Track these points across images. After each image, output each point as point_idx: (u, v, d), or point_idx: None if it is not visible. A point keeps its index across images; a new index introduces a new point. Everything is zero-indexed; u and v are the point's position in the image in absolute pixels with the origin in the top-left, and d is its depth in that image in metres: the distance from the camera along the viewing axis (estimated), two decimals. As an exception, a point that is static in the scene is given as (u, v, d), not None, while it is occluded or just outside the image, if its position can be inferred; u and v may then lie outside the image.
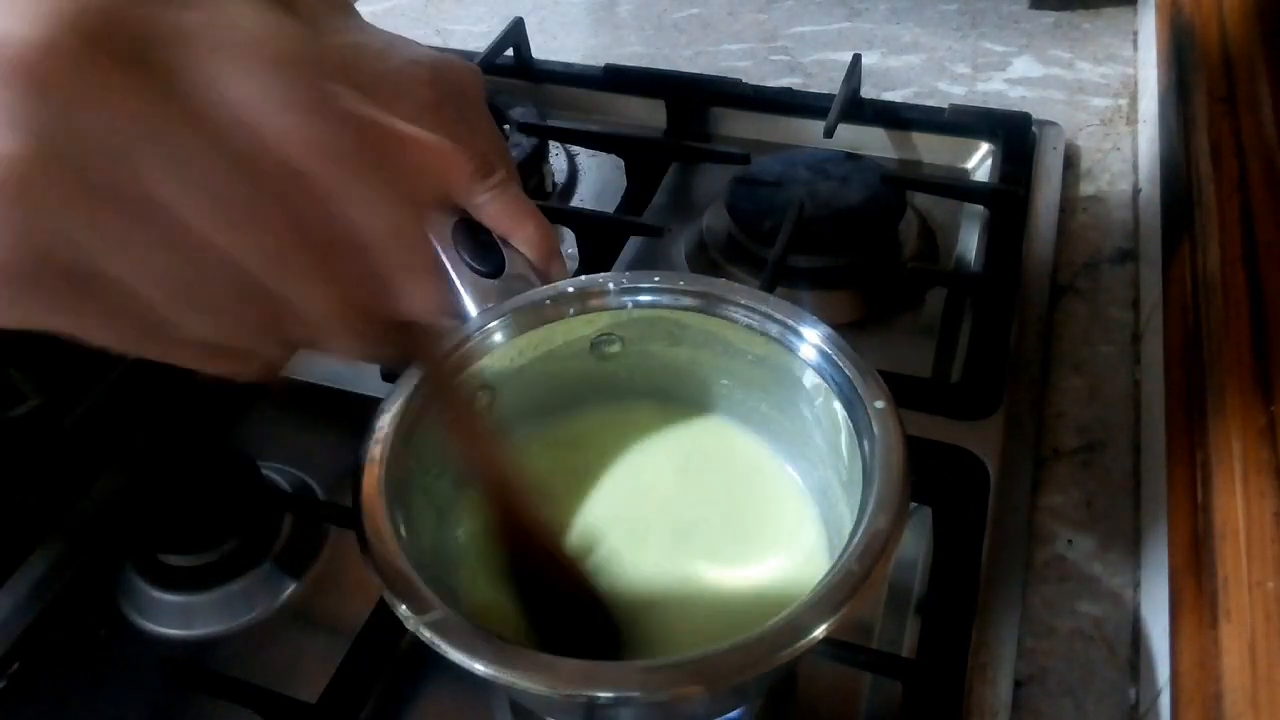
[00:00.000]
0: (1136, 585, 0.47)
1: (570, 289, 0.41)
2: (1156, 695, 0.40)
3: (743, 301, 0.40)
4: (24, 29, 0.20)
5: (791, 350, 0.39)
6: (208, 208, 0.22)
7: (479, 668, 0.29)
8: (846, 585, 0.30)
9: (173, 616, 0.47)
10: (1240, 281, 0.45)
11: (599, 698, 0.29)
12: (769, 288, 0.55)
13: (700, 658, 0.29)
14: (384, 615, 0.44)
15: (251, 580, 0.48)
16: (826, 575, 0.31)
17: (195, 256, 0.23)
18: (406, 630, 0.30)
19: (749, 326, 0.40)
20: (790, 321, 0.39)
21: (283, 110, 0.23)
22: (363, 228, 0.24)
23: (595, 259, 0.63)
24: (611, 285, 0.41)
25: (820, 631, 0.30)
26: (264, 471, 0.52)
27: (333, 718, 0.41)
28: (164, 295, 0.23)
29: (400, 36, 0.48)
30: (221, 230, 0.23)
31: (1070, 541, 0.48)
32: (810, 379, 0.39)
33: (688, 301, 0.41)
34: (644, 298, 0.41)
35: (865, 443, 0.35)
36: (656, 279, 0.41)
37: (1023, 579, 0.46)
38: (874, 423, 0.35)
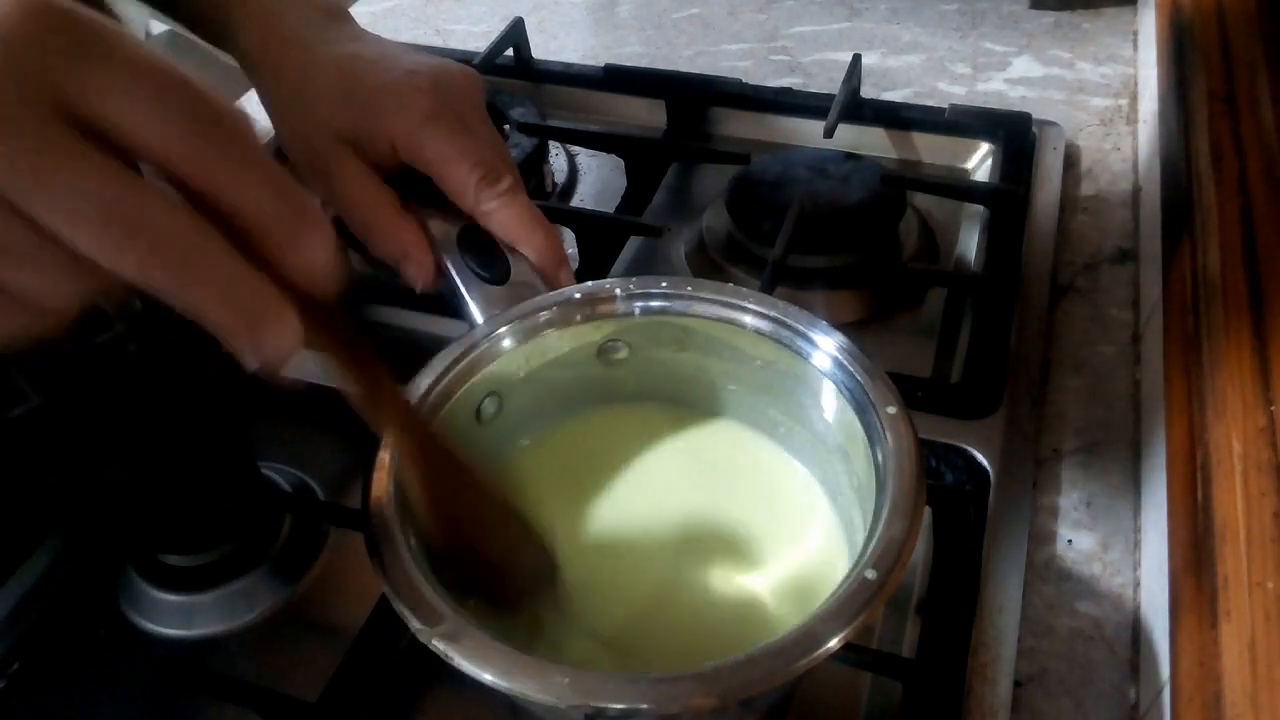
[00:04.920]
0: (1136, 585, 0.47)
1: (577, 295, 0.41)
2: (1156, 695, 0.40)
3: (751, 306, 0.40)
4: None
5: (801, 355, 0.39)
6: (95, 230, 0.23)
7: (488, 678, 0.29)
8: (863, 593, 0.30)
9: (173, 616, 0.47)
10: (1240, 281, 0.45)
11: (608, 710, 0.28)
12: (769, 288, 0.55)
13: (714, 670, 0.29)
14: (384, 616, 0.43)
15: (251, 580, 0.48)
16: (842, 583, 0.31)
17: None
18: (406, 631, 0.30)
19: (757, 331, 0.40)
20: (800, 326, 0.39)
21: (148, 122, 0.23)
22: (243, 212, 0.24)
23: (595, 259, 0.63)
24: (618, 291, 0.41)
25: (836, 642, 0.29)
26: (264, 471, 0.52)
27: (333, 718, 0.41)
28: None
29: (398, 44, 0.48)
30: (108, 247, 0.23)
31: (1070, 541, 0.48)
32: (820, 384, 0.38)
33: (695, 307, 0.41)
34: (651, 303, 0.41)
35: (878, 448, 0.35)
36: (664, 284, 0.41)
37: (1023, 579, 0.46)
38: (886, 428, 0.35)
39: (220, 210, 0.24)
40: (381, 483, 0.34)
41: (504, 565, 0.37)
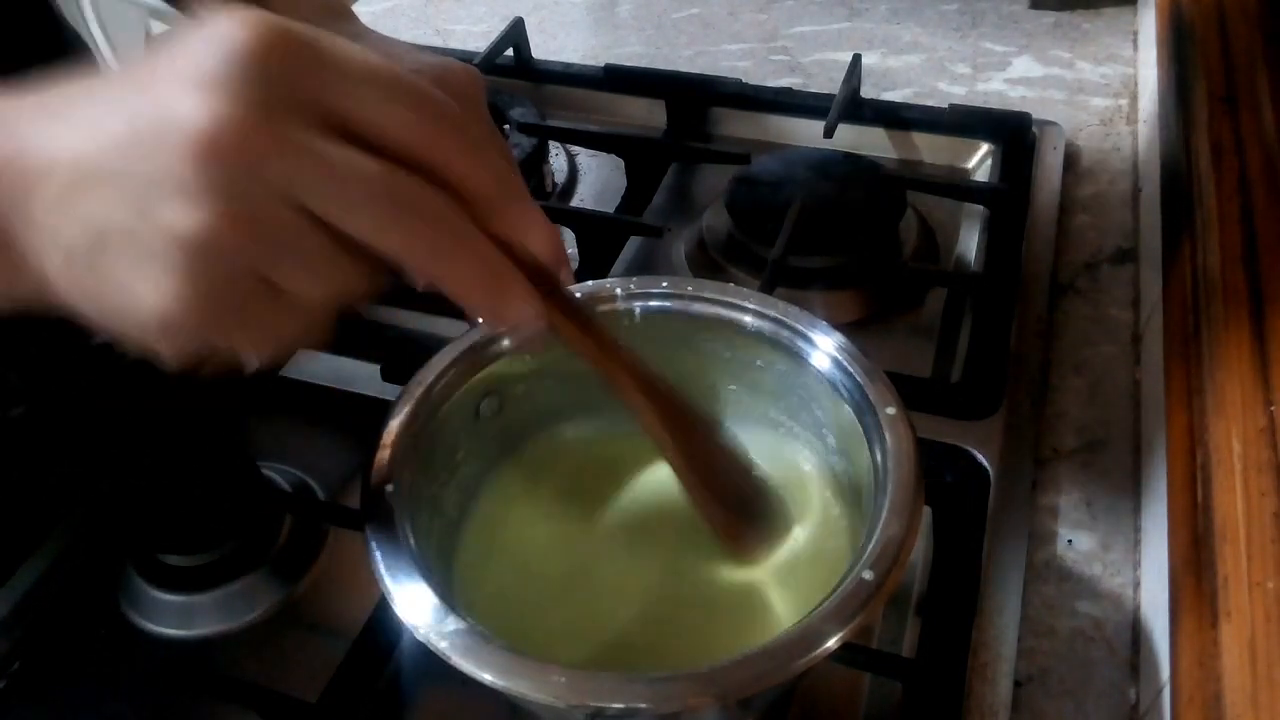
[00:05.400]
0: (1136, 585, 0.46)
1: (577, 295, 0.41)
2: (1156, 695, 0.40)
3: (751, 306, 0.40)
4: (197, 110, 0.24)
5: (801, 355, 0.39)
6: (358, 211, 0.27)
7: (488, 678, 0.29)
8: (861, 593, 0.30)
9: (173, 616, 0.47)
10: (1240, 281, 0.45)
11: (608, 710, 0.28)
12: (769, 288, 0.55)
13: (713, 670, 0.29)
14: (384, 616, 0.43)
15: (251, 580, 0.48)
16: (840, 583, 0.31)
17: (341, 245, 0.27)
18: (406, 631, 0.30)
19: (757, 331, 0.40)
20: (799, 326, 0.39)
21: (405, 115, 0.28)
22: (473, 184, 0.29)
23: (595, 259, 0.63)
24: (618, 291, 0.41)
25: (835, 642, 0.29)
26: (264, 471, 0.52)
27: (333, 718, 0.41)
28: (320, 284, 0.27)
29: (399, 43, 0.48)
30: (365, 221, 0.27)
31: (1070, 541, 0.48)
32: (820, 384, 0.38)
33: (695, 307, 0.41)
34: (651, 303, 0.41)
35: (877, 449, 0.35)
36: (664, 284, 0.41)
37: (1023, 579, 0.46)
38: (885, 429, 0.35)
39: (453, 186, 0.28)
40: (381, 480, 0.34)
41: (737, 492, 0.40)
